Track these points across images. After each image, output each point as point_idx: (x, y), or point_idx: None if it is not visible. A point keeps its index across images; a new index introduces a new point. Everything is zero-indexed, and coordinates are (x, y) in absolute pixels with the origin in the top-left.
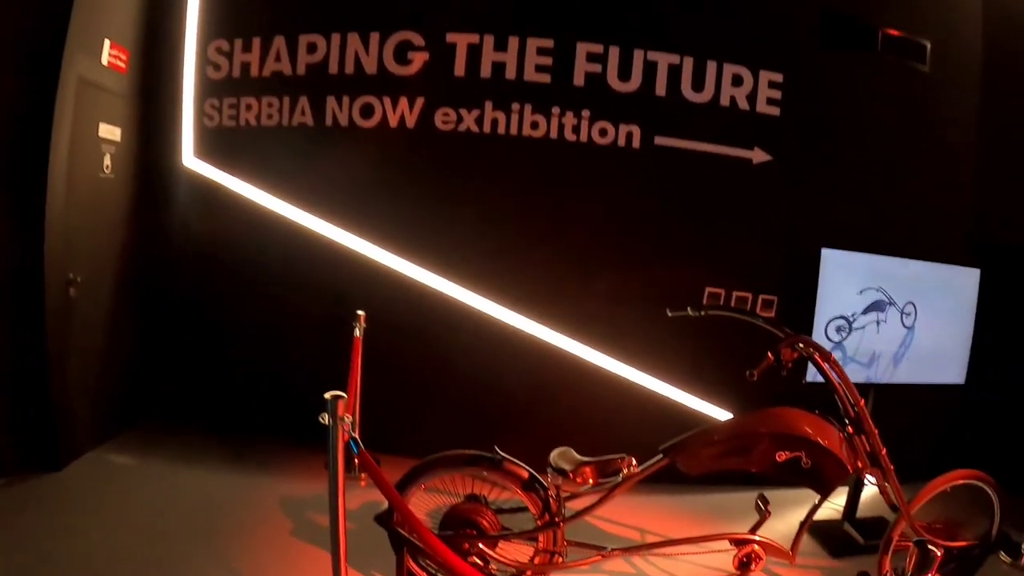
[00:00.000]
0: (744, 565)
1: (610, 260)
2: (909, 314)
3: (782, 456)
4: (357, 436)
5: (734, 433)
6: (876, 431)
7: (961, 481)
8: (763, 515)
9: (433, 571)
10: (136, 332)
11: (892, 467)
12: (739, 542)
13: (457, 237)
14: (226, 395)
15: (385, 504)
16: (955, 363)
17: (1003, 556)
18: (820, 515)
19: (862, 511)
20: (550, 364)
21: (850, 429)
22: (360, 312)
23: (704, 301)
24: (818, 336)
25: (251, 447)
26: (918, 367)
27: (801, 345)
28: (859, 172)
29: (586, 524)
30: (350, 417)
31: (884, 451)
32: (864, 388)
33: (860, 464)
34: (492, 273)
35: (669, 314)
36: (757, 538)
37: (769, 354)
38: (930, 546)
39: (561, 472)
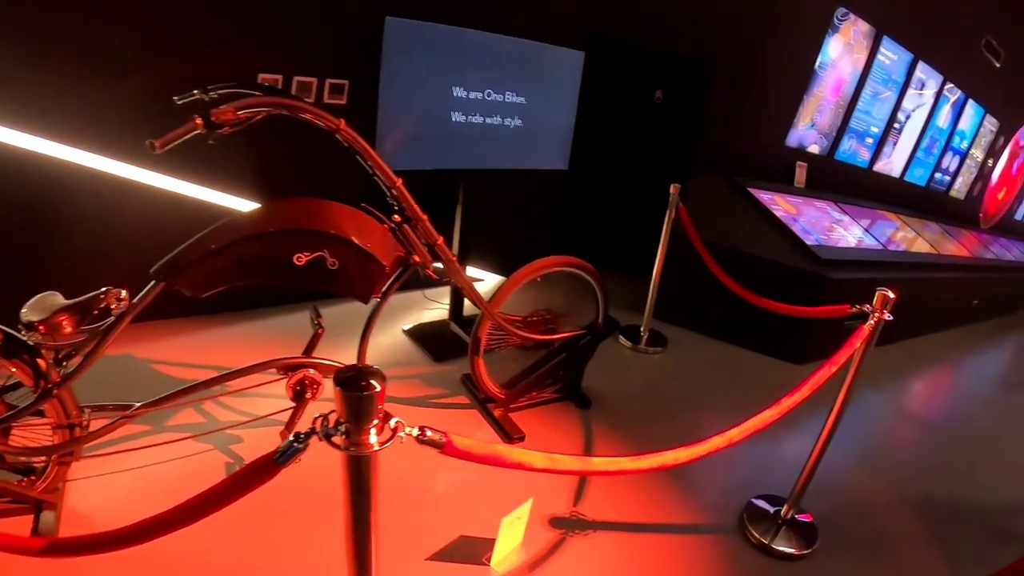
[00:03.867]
0: (300, 394)
1: (127, 53)
2: (511, 99)
3: (301, 259)
4: None
5: (236, 236)
6: (426, 217)
7: (556, 269)
8: (316, 332)
9: None
10: None
11: (454, 258)
12: (290, 368)
13: None
14: None
15: None
16: (559, 149)
17: (623, 341)
18: (428, 317)
19: (470, 308)
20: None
21: (397, 219)
22: None
23: None
24: (393, 118)
25: None
26: (522, 152)
27: (243, 112)
28: None
29: (128, 379)
30: None
31: (440, 240)
32: (458, 174)
33: (418, 259)
34: None
35: (178, 101)
36: (311, 360)
37: (197, 118)
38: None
39: (29, 327)
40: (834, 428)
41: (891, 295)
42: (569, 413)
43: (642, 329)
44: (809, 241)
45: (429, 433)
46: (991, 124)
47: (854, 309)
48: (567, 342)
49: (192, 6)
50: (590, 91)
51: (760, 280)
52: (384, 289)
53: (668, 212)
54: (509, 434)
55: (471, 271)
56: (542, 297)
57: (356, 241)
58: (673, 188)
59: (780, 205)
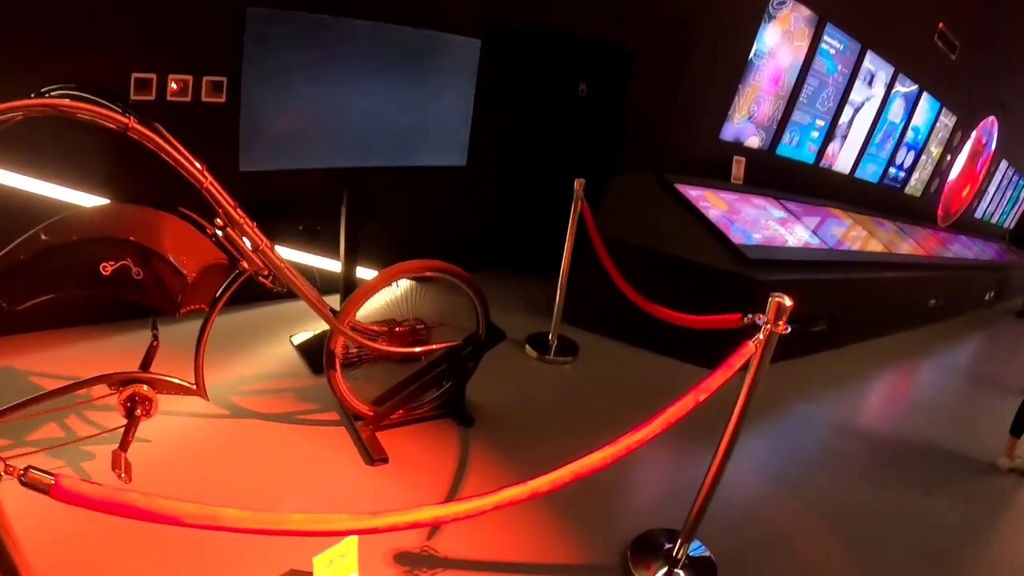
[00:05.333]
0: (131, 411)
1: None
2: (397, 91)
3: (107, 268)
4: None
5: (42, 246)
6: (253, 223)
7: (419, 274)
8: (151, 344)
9: None
10: None
11: (285, 265)
12: (121, 383)
13: None
14: None
15: None
16: (455, 144)
17: (529, 351)
18: (320, 328)
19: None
20: None
21: (220, 222)
22: None
23: (131, 92)
24: (258, 115)
25: None
26: (411, 148)
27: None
28: None
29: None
30: None
31: (264, 244)
32: (340, 173)
33: (247, 266)
34: None
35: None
36: (141, 375)
37: None
38: None
39: None
40: (728, 453)
41: (787, 302)
42: (449, 432)
43: (551, 336)
44: (740, 240)
45: (34, 472)
46: (948, 119)
47: (746, 319)
48: (444, 354)
49: (60, 5)
50: (503, 82)
51: (685, 282)
52: (215, 298)
53: (573, 209)
54: (371, 456)
55: (364, 274)
56: (416, 305)
57: (156, 248)
58: (577, 183)
59: (711, 202)
